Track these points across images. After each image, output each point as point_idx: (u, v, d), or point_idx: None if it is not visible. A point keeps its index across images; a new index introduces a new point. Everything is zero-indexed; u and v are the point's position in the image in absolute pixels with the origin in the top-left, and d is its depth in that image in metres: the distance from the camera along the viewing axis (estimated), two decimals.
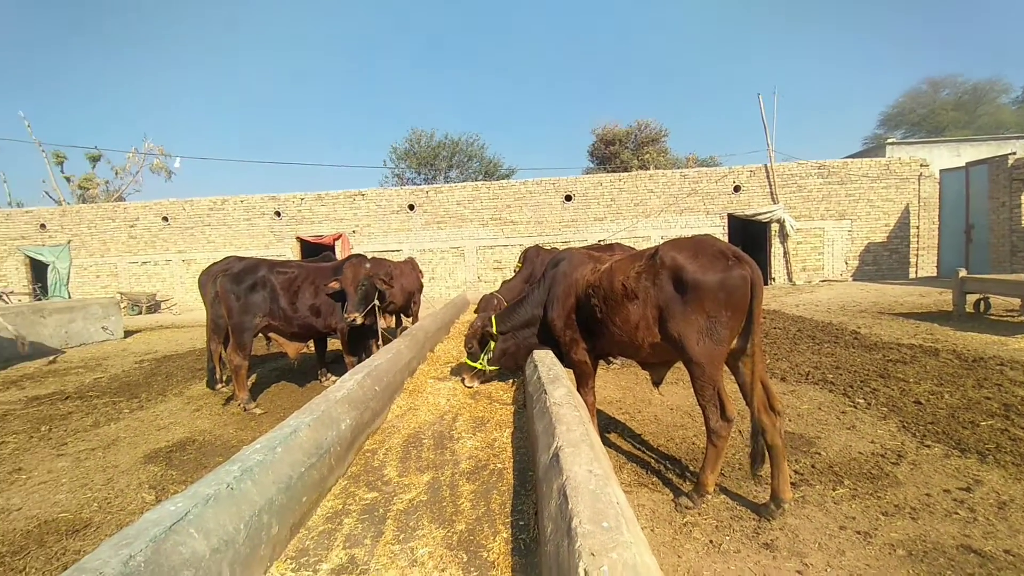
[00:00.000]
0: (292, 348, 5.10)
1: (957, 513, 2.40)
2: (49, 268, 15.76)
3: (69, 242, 16.04)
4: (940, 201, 13.36)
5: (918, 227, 13.95)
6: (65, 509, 2.88)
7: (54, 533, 2.60)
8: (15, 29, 67.42)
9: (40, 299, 15.09)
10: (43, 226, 16.13)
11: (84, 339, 9.37)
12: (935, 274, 13.60)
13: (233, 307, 4.68)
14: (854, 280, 14.00)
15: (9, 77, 66.50)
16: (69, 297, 15.41)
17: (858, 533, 2.28)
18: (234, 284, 4.70)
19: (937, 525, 2.31)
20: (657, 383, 3.30)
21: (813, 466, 2.96)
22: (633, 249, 3.96)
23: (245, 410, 4.62)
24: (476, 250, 15.25)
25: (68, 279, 15.88)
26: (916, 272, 14.01)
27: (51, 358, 7.74)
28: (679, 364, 2.94)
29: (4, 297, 13.55)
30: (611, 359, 5.53)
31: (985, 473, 2.76)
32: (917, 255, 14.04)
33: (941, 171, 13.45)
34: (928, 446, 3.15)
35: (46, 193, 23.81)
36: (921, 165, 13.92)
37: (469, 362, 4.33)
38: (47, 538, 2.55)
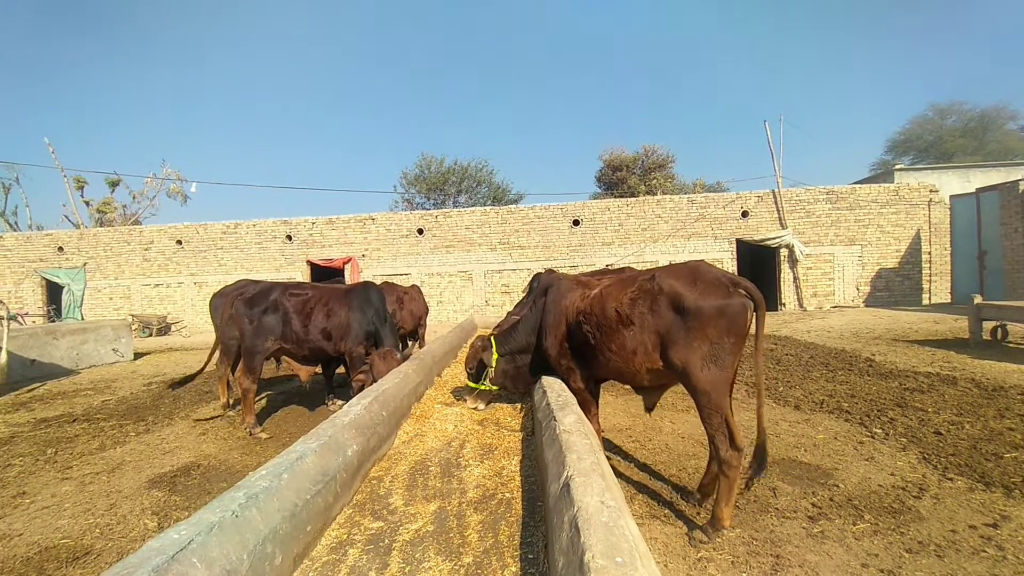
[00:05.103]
0: (304, 372, 5.10)
1: (985, 551, 2.30)
2: (64, 290, 16.01)
3: (85, 264, 16.32)
4: (951, 227, 13.28)
5: (930, 253, 13.83)
6: (67, 535, 2.84)
7: (54, 560, 2.56)
8: (41, 55, 70.21)
9: (54, 320, 15.27)
10: (61, 249, 16.45)
11: (95, 361, 9.43)
12: (949, 300, 13.41)
13: (246, 330, 4.71)
14: (866, 306, 13.83)
15: (34, 101, 69.01)
16: (82, 319, 15.59)
17: (881, 571, 2.18)
18: (247, 307, 4.74)
19: (964, 564, 2.21)
20: (650, 408, 3.32)
21: (831, 499, 2.86)
22: None
23: (251, 434, 4.59)
24: (484, 274, 15.30)
25: (82, 301, 16.10)
26: (929, 298, 13.83)
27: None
28: (680, 387, 2.90)
29: (19, 319, 13.71)
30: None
31: (1012, 508, 2.65)
32: (930, 281, 13.88)
33: (951, 197, 13.40)
34: (950, 479, 3.04)
35: (65, 217, 24.44)
36: (931, 191, 13.89)
37: (471, 384, 4.32)
38: (47, 565, 2.51)
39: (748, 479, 2.67)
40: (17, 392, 7.10)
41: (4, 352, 7.26)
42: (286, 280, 14.85)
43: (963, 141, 30.64)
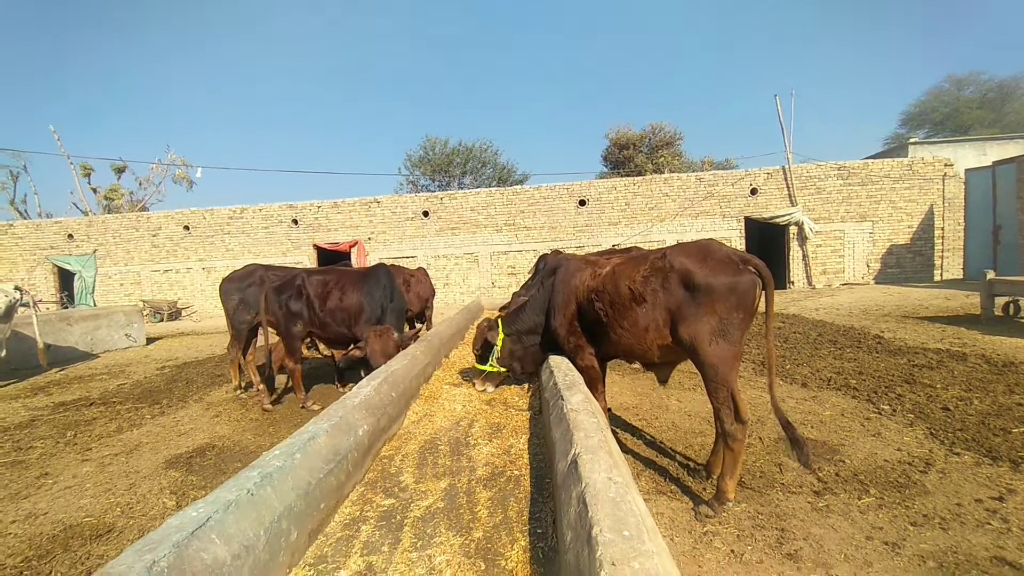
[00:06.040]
0: (338, 354, 5.31)
1: (990, 524, 2.31)
2: (76, 277, 16.19)
3: (95, 251, 16.47)
4: (966, 201, 13.02)
5: (943, 228, 13.61)
6: (89, 514, 2.94)
7: (79, 537, 2.65)
8: (45, 43, 69.63)
9: (67, 307, 15.49)
10: (70, 236, 16.61)
11: (108, 346, 9.60)
12: (961, 276, 13.24)
13: (279, 317, 4.85)
14: (876, 283, 13.70)
15: (39, 89, 68.79)
16: (95, 305, 15.80)
17: (886, 544, 2.21)
18: (276, 295, 4.88)
19: (969, 536, 2.23)
20: (663, 381, 3.41)
21: (837, 474, 2.88)
22: None
23: (304, 407, 4.85)
24: (490, 256, 15.28)
25: (94, 287, 16.28)
26: (941, 275, 13.66)
27: None
28: (687, 367, 2.91)
29: (35, 305, 13.91)
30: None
31: (1018, 482, 2.66)
32: (942, 257, 13.69)
33: (967, 171, 13.11)
34: (957, 454, 3.05)
35: (74, 204, 24.57)
36: (945, 165, 13.60)
37: (478, 365, 4.35)
38: (72, 542, 2.60)
39: (804, 462, 2.58)
40: (35, 377, 7.26)
41: (39, 337, 7.52)
42: (293, 264, 14.92)
43: (980, 113, 29.78)
